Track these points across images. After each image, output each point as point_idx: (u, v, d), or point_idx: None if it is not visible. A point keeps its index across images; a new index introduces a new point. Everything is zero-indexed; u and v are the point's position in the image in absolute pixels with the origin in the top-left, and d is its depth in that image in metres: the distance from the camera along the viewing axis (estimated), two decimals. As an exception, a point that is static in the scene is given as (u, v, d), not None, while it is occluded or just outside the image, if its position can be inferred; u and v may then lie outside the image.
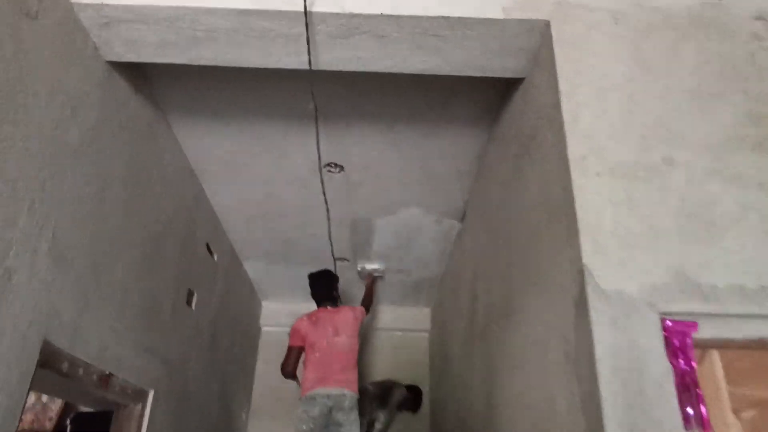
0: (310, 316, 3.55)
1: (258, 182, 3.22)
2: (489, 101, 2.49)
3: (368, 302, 4.07)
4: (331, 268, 4.13)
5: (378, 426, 4.43)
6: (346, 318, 3.54)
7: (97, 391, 2.27)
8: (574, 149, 1.61)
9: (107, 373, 2.26)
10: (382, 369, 5.18)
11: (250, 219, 3.67)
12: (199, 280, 3.34)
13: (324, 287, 3.71)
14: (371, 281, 4.28)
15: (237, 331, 4.35)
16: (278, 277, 4.61)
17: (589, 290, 1.41)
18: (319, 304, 3.67)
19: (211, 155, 2.98)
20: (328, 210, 3.30)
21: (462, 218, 3.52)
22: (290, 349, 3.47)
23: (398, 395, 4.62)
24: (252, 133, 2.78)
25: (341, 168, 3.06)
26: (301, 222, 3.68)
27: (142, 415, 2.68)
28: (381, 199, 3.35)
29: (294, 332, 3.48)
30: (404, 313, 5.28)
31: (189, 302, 3.22)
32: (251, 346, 4.91)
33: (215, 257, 3.66)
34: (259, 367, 5.06)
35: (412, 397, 4.82)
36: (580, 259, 1.46)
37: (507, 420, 2.14)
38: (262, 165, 3.05)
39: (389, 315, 5.27)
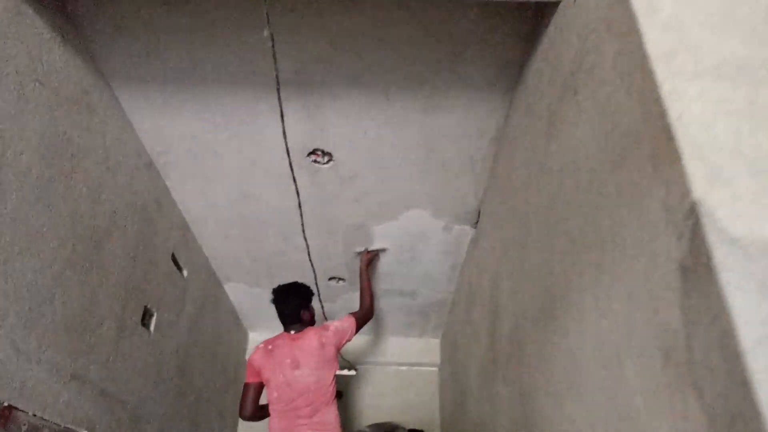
0: (267, 343, 2.82)
1: (231, 178, 2.69)
2: (507, 56, 1.97)
3: (366, 300, 3.09)
4: (317, 289, 3.55)
5: None
6: (309, 345, 2.72)
7: (-8, 431, 1.68)
8: (657, 45, 1.06)
9: (4, 404, 1.68)
10: (384, 409, 4.52)
11: (225, 227, 3.12)
12: (159, 298, 2.76)
13: (288, 305, 2.89)
14: (366, 263, 3.22)
15: (215, 366, 3.73)
16: (264, 302, 3.97)
17: (712, 240, 0.84)
18: (285, 328, 2.90)
19: (172, 142, 2.46)
20: (302, 215, 2.74)
21: (476, 222, 2.96)
22: (245, 386, 2.77)
23: None
24: (216, 109, 2.26)
25: (329, 156, 2.52)
26: (284, 231, 3.12)
27: (67, 466, 2.06)
28: (379, 198, 2.80)
29: (249, 365, 2.78)
30: (410, 345, 4.64)
31: (145, 323, 2.64)
32: (234, 386, 4.25)
33: (184, 273, 3.09)
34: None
35: None
36: (686, 194, 0.90)
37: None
38: (232, 154, 2.53)
39: (392, 347, 4.63)
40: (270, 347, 2.77)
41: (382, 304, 4.05)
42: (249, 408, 2.75)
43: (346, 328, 2.86)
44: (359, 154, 2.49)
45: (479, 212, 2.86)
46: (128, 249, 2.40)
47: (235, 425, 4.36)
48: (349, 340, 2.87)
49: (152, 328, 2.70)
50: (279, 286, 2.97)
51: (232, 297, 4.02)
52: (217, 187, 2.75)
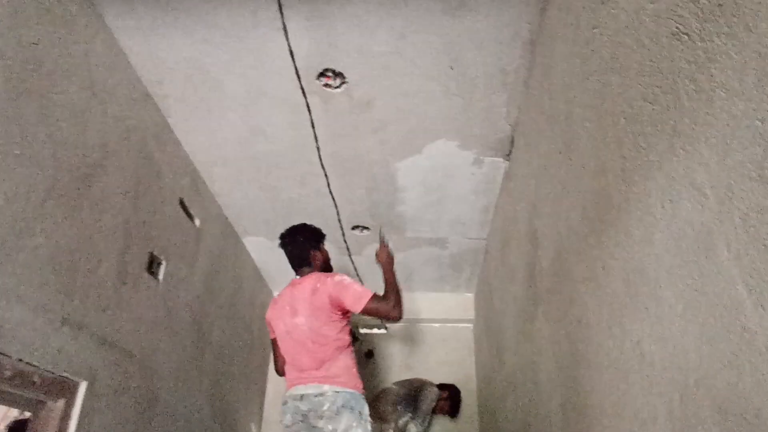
0: (278, 294, 2.61)
1: (236, 110, 2.45)
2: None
3: (391, 298, 2.40)
4: (340, 239, 3.32)
5: None
6: (302, 292, 2.40)
7: (-33, 375, 1.50)
8: None
9: (-20, 347, 1.50)
10: (417, 368, 4.30)
11: (236, 171, 2.89)
12: (167, 246, 2.57)
13: (293, 248, 2.57)
14: (385, 255, 2.62)
15: (236, 323, 3.56)
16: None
17: None
18: (295, 274, 2.62)
19: (167, 70, 2.22)
20: (318, 149, 2.48)
21: (508, 153, 2.65)
22: (271, 342, 2.61)
23: (430, 397, 3.73)
24: (212, 24, 2.00)
25: (342, 78, 2.25)
26: (301, 172, 2.88)
27: (66, 417, 1.89)
28: (399, 127, 2.51)
29: (266, 322, 2.62)
30: (443, 301, 4.39)
31: (152, 271, 2.45)
32: (260, 346, 4.08)
33: (196, 222, 2.89)
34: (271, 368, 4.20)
35: (448, 399, 3.92)
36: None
37: (612, 414, 1.25)
38: (235, 81, 2.28)
39: (424, 304, 4.38)
40: (277, 297, 2.58)
41: (411, 255, 3.79)
42: (278, 364, 2.59)
43: (354, 292, 2.34)
44: (374, 73, 2.20)
45: (512, 141, 2.55)
46: (126, 188, 2.19)
47: (263, 385, 4.22)
48: (352, 312, 2.38)
49: (161, 277, 2.51)
50: (286, 229, 2.69)
51: (253, 254, 3.83)
52: (223, 121, 2.51)
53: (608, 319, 1.29)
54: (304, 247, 2.58)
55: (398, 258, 3.80)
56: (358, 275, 4.03)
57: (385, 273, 2.57)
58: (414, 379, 3.95)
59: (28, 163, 1.64)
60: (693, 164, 0.90)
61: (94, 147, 1.97)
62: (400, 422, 3.64)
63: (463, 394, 4.15)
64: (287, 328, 2.43)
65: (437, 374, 4.22)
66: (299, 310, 2.40)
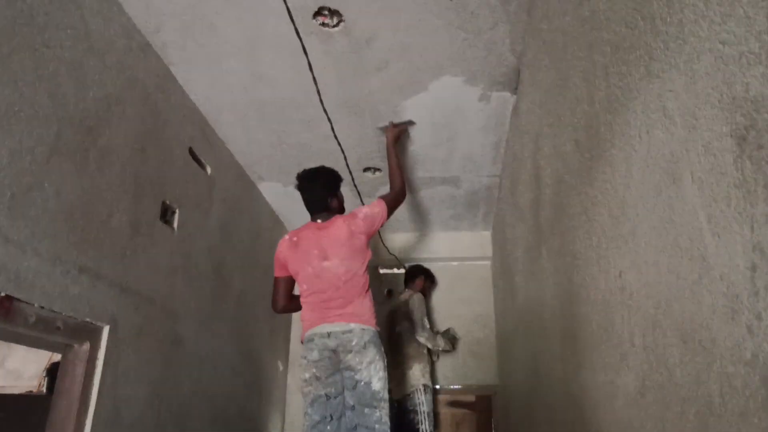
0: (292, 235, 2.62)
1: (236, 56, 2.43)
2: None
3: (397, 181, 2.72)
4: (350, 181, 3.34)
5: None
6: (337, 235, 2.48)
7: (-8, 322, 1.60)
8: None
9: (1, 294, 1.59)
10: (438, 306, 4.39)
11: (244, 118, 2.90)
12: (181, 195, 2.63)
13: (313, 192, 2.62)
14: (393, 139, 2.84)
15: (256, 268, 3.66)
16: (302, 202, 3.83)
17: None
18: (311, 216, 2.64)
19: (164, 16, 2.20)
20: (319, 92, 2.46)
21: (516, 87, 2.59)
22: (274, 281, 2.65)
23: (413, 302, 3.91)
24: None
25: (339, 16, 2.20)
26: (307, 116, 2.87)
27: (93, 358, 2.02)
28: (402, 64, 2.46)
29: (275, 259, 2.62)
30: (460, 240, 4.42)
31: (166, 220, 2.52)
32: (283, 287, 4.20)
33: (208, 170, 2.94)
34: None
35: (422, 280, 4.14)
36: None
37: (597, 328, 1.27)
38: (232, 25, 2.25)
39: (441, 243, 4.42)
40: (295, 239, 2.59)
41: (425, 196, 3.80)
42: (279, 302, 2.65)
43: (376, 213, 2.56)
44: (372, 8, 2.14)
45: (519, 72, 2.48)
46: (132, 139, 2.23)
47: (288, 326, 4.38)
48: (381, 225, 2.61)
49: (175, 225, 2.58)
50: (303, 171, 2.69)
51: (269, 199, 3.89)
52: (224, 68, 2.50)
53: (596, 253, 1.29)
54: (324, 192, 2.61)
55: (413, 198, 3.84)
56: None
57: (388, 147, 2.84)
58: (389, 313, 4.06)
59: (30, 118, 1.68)
60: (665, 91, 0.87)
61: (95, 100, 2.00)
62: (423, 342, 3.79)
63: (482, 330, 4.24)
64: (315, 272, 2.48)
65: (457, 311, 4.31)
66: (332, 254, 2.47)
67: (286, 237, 2.63)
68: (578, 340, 1.47)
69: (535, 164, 2.15)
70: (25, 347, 4.54)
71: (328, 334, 2.39)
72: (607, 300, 1.21)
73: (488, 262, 4.38)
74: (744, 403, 0.66)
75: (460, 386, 4.27)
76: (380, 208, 2.58)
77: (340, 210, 2.67)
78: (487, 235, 4.38)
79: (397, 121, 2.89)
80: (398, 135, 2.90)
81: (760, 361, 0.62)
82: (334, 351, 2.37)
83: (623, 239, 1.09)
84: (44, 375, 2.86)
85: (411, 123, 2.92)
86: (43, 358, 3.95)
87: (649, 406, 0.97)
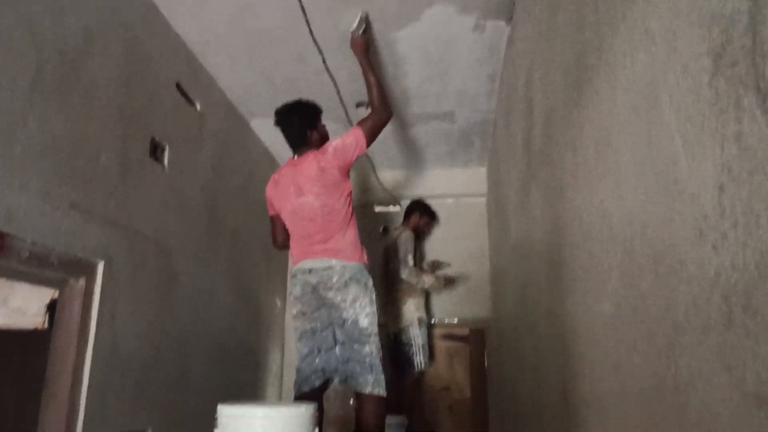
0: (276, 174, 2.66)
1: (220, -15, 2.34)
2: None
3: (375, 98, 2.49)
4: (344, 117, 3.29)
5: None
6: (308, 171, 2.43)
7: (-14, 257, 1.62)
8: None
9: (-8, 231, 1.60)
10: (433, 243, 4.44)
11: (232, 52, 2.83)
12: (170, 132, 2.60)
13: (291, 126, 2.55)
14: (362, 46, 2.53)
15: (251, 207, 3.67)
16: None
17: None
18: (292, 153, 2.62)
19: (141, -58, 2.11)
20: (308, 22, 2.37)
21: (511, 16, 2.50)
22: (270, 219, 2.73)
23: (402, 241, 3.90)
24: None
25: (325, -58, 2.10)
26: (297, 49, 2.80)
27: (89, 293, 2.06)
28: (392, -7, 2.38)
29: (267, 199, 2.70)
30: (455, 176, 4.41)
31: (156, 157, 2.50)
32: (279, 225, 4.23)
33: (197, 106, 2.89)
34: (293, 248, 4.38)
35: (419, 217, 4.14)
36: None
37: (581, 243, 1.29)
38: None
39: (437, 180, 4.42)
40: (276, 177, 2.61)
41: (419, 132, 3.76)
42: (277, 239, 2.72)
43: (349, 144, 2.42)
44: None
45: (514, 1, 2.39)
46: (116, 73, 2.18)
47: (284, 263, 4.44)
48: (361, 154, 2.48)
49: (166, 162, 2.57)
50: (280, 106, 2.62)
51: (262, 137, 3.85)
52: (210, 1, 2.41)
53: (582, 184, 1.29)
54: (301, 126, 2.55)
55: (407, 134, 3.80)
56: (368, 157, 4.05)
57: (361, 63, 2.54)
58: (384, 249, 4.10)
59: (6, 53, 1.63)
60: (648, 12, 0.84)
61: (75, 33, 1.94)
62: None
63: (477, 266, 4.30)
64: (293, 208, 2.49)
65: (452, 248, 4.36)
66: (306, 190, 2.44)
67: (273, 176, 2.65)
68: (562, 270, 1.49)
69: (527, 96, 2.11)
70: (27, 285, 4.62)
71: (309, 270, 2.43)
72: (589, 230, 1.22)
73: (484, 199, 4.38)
74: (706, 319, 0.67)
75: (455, 321, 4.38)
76: (354, 136, 2.44)
77: (322, 144, 2.57)
78: (482, 171, 4.37)
79: (352, 29, 2.51)
80: (367, 44, 2.56)
81: (722, 278, 0.63)
82: (315, 287, 2.41)
83: (607, 168, 1.08)
84: (45, 312, 2.94)
85: (367, 21, 2.51)
86: (46, 296, 4.02)
87: (623, 328, 0.99)
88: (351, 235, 2.46)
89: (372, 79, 2.52)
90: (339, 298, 2.38)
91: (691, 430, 0.71)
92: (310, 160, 2.47)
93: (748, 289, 0.57)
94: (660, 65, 0.80)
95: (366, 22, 2.53)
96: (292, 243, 2.56)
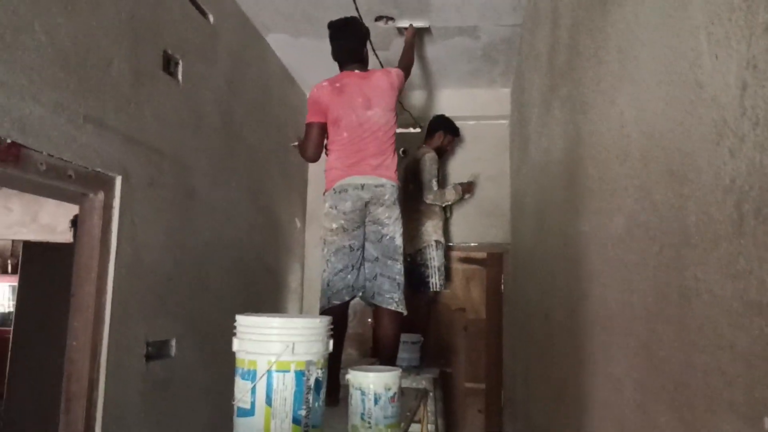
0: (332, 81, 2.52)
1: None
2: None
3: (407, 60, 3.00)
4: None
5: None
6: (380, 85, 2.51)
7: (3, 167, 1.64)
8: None
9: (7, 141, 1.61)
10: (453, 165, 4.38)
11: (244, -41, 2.69)
12: (182, 44, 2.53)
13: (349, 41, 2.62)
14: (411, 33, 3.22)
15: (268, 124, 3.63)
16: (313, 55, 3.66)
17: None
18: (342, 67, 2.60)
19: None
20: None
21: None
22: (309, 126, 2.54)
23: (425, 159, 3.85)
24: None
25: None
26: (312, -44, 2.66)
27: (108, 207, 2.09)
28: None
29: (312, 103, 2.52)
30: (477, 97, 4.27)
31: (170, 71, 2.46)
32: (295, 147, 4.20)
33: (210, 18, 2.80)
34: (312, 167, 4.36)
35: (443, 134, 4.03)
36: None
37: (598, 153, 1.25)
38: None
39: (458, 101, 4.28)
40: (338, 84, 2.50)
41: (440, 49, 3.61)
42: (313, 149, 2.56)
43: (402, 76, 2.67)
44: None
45: None
46: (124, -19, 2.10)
47: (303, 183, 4.46)
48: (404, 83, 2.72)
49: (180, 77, 2.52)
50: (336, 20, 2.65)
51: (278, 53, 3.75)
52: None
53: (603, 97, 1.22)
54: (358, 42, 2.63)
55: (428, 52, 3.67)
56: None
57: (406, 41, 3.18)
58: (404, 169, 4.01)
59: (9, -46, 1.57)
60: None
61: (79, -66, 1.86)
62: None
63: (497, 190, 4.25)
64: (360, 120, 2.45)
65: (472, 170, 4.30)
66: (375, 103, 2.48)
67: (325, 83, 2.52)
68: (578, 188, 1.45)
69: (553, 7, 1.99)
70: (54, 203, 4.76)
71: (362, 186, 2.41)
72: (607, 143, 1.17)
73: (506, 122, 4.26)
74: (716, 229, 0.64)
75: (472, 244, 4.40)
76: (402, 74, 2.69)
77: (368, 64, 2.70)
78: (505, 92, 4.22)
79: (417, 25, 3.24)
80: (414, 34, 3.23)
81: (736, 185, 0.59)
82: (367, 203, 2.43)
83: (628, 76, 1.02)
84: (70, 227, 3.05)
85: (425, 28, 3.30)
86: (72, 212, 4.13)
87: (634, 243, 0.97)
88: (395, 157, 2.52)
89: (411, 50, 3.11)
90: (386, 215, 2.44)
91: (690, 339, 0.70)
92: (380, 75, 2.56)
93: (762, 194, 0.54)
94: (692, -46, 0.72)
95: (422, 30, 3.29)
96: (336, 155, 2.48)
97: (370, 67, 2.72)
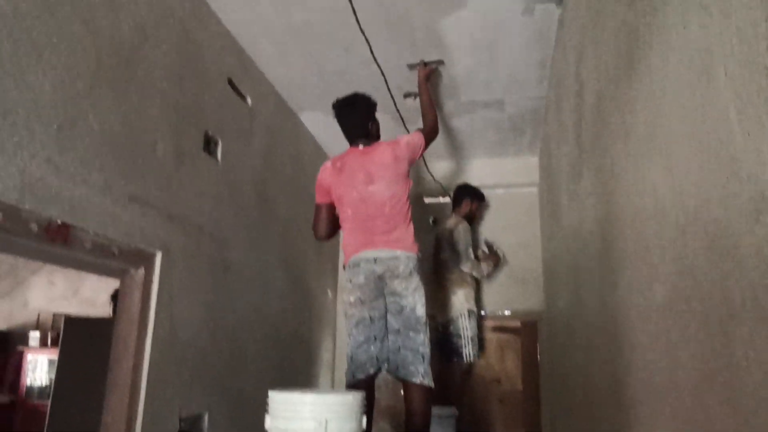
0: (335, 161, 2.62)
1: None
2: None
3: (428, 118, 2.82)
4: (393, 108, 3.28)
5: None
6: (382, 159, 2.49)
7: (52, 247, 1.72)
8: None
9: (58, 222, 1.69)
10: (484, 233, 4.38)
11: (279, 44, 2.87)
12: (222, 125, 2.67)
13: (351, 118, 2.61)
14: (425, 75, 2.98)
15: (300, 196, 3.73)
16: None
17: None
18: (350, 143, 2.63)
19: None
20: (354, 11, 2.37)
21: (562, -2, 2.43)
22: (316, 208, 2.68)
23: (459, 231, 3.90)
24: None
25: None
26: (343, 40, 2.81)
27: (148, 283, 2.15)
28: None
29: (317, 186, 2.63)
30: (505, 166, 4.33)
31: (209, 151, 2.58)
32: (329, 217, 4.28)
33: (248, 101, 2.96)
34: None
35: (470, 201, 4.09)
36: None
37: (631, 223, 1.24)
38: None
39: (486, 170, 4.35)
40: (339, 164, 2.58)
41: (467, 121, 3.71)
42: (323, 229, 2.69)
43: (417, 142, 2.60)
44: None
45: (564, -18, 2.32)
46: (170, 69, 2.25)
47: (335, 254, 4.50)
48: (420, 156, 2.65)
49: (219, 156, 2.64)
50: (339, 99, 2.67)
51: (312, 129, 3.90)
52: (257, -6, 2.46)
53: (633, 166, 1.24)
54: (363, 118, 2.61)
55: (455, 124, 3.76)
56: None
57: (419, 85, 2.95)
58: (435, 239, 4.07)
59: (69, 52, 1.72)
60: (703, -20, 0.79)
61: (131, 31, 2.02)
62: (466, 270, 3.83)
63: (528, 257, 4.22)
64: (361, 196, 2.49)
65: (503, 238, 4.29)
66: (377, 178, 2.47)
67: (328, 163, 2.62)
68: (614, 257, 1.44)
69: (578, 79, 2.05)
70: (94, 276, 4.89)
71: (375, 260, 2.42)
72: (641, 213, 1.17)
73: (534, 189, 4.29)
74: (762, 310, 0.63)
75: (505, 313, 4.32)
76: (418, 138, 2.62)
77: (378, 136, 2.66)
78: (533, 160, 4.27)
79: (428, 60, 2.98)
80: (429, 74, 3.00)
81: (780, 260, 0.59)
82: (381, 276, 2.41)
83: (658, 149, 1.04)
84: (110, 301, 3.11)
85: (441, 62, 3.00)
86: (112, 286, 4.24)
87: (676, 316, 0.95)
88: (411, 227, 2.50)
89: (426, 99, 2.87)
90: (403, 286, 2.41)
91: (745, 419, 0.67)
92: (383, 149, 2.53)
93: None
94: (715, 35, 0.75)
95: (438, 65, 3.02)
96: (349, 232, 2.54)
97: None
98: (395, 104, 3.42)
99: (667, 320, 1.00)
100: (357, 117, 2.61)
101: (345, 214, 2.56)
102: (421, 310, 2.41)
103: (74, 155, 1.74)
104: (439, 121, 2.88)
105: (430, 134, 2.74)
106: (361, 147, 2.58)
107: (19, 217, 1.56)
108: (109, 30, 1.90)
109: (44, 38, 1.63)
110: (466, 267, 3.79)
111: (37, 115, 1.60)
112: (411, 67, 3.03)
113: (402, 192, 2.50)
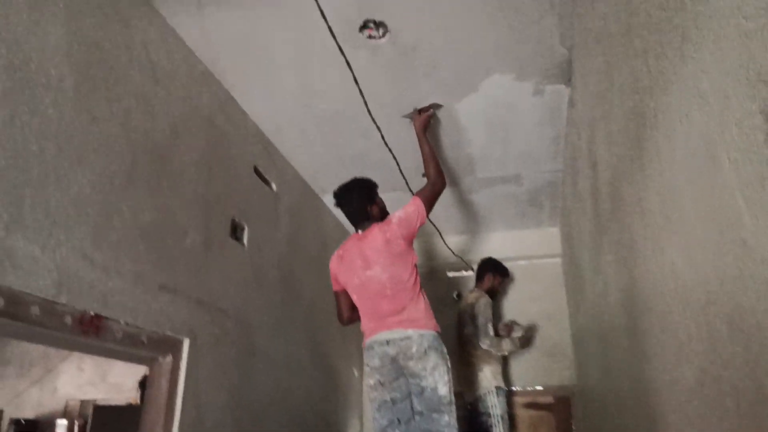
0: (339, 249, 2.69)
1: (290, 74, 2.54)
2: None
3: (431, 171, 2.66)
4: (403, 186, 3.36)
5: None
6: (374, 244, 2.48)
7: (85, 338, 1.76)
8: None
9: (91, 313, 1.74)
10: (509, 306, 4.33)
11: (301, 132, 3.01)
12: (248, 212, 2.76)
13: (349, 205, 2.66)
14: (421, 125, 2.75)
15: (323, 277, 3.75)
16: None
17: None
18: (355, 229, 2.70)
19: (221, 44, 2.34)
20: (366, 103, 2.50)
21: (569, 78, 2.53)
22: (335, 295, 2.75)
23: (479, 306, 3.83)
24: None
25: (384, 28, 2.25)
26: (360, 126, 2.94)
27: (175, 369, 2.16)
28: (450, 66, 2.48)
29: (330, 274, 2.72)
30: (526, 238, 4.34)
31: (236, 237, 2.66)
32: (353, 295, 4.29)
33: (273, 186, 3.07)
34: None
35: (493, 276, 4.06)
36: None
37: (657, 305, 1.24)
38: (283, 45, 2.35)
39: (508, 243, 4.36)
40: (341, 252, 2.65)
41: (485, 196, 3.77)
42: (343, 314, 2.73)
43: (411, 213, 2.49)
44: (416, 14, 2.18)
45: (571, 62, 2.43)
46: (200, 162, 2.37)
47: (360, 334, 4.45)
48: (422, 223, 2.55)
49: (245, 241, 2.72)
50: (337, 188, 2.72)
51: (335, 210, 3.98)
52: (280, 87, 2.62)
53: (651, 243, 1.25)
54: (360, 203, 2.64)
55: (474, 199, 3.82)
56: (432, 223, 4.07)
57: (417, 135, 2.76)
58: (458, 315, 4.02)
59: (107, 151, 1.84)
60: (698, 72, 0.85)
61: (164, 129, 2.15)
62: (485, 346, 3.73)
63: (556, 328, 4.14)
64: (361, 281, 2.52)
65: (528, 310, 4.23)
66: (373, 262, 2.48)
67: (336, 252, 2.70)
68: (640, 333, 1.43)
69: (591, 154, 2.10)
70: (122, 363, 4.91)
71: (387, 342, 2.41)
72: (663, 291, 1.17)
73: (557, 260, 4.27)
74: (791, 388, 0.63)
75: (537, 387, 4.19)
76: (415, 205, 2.51)
77: (383, 216, 2.65)
78: (554, 231, 4.28)
79: (421, 106, 2.77)
80: (426, 121, 2.77)
81: (801, 344, 0.60)
82: (394, 358, 2.39)
83: (673, 227, 1.06)
84: (137, 388, 3.11)
85: (437, 106, 2.77)
86: (139, 372, 4.24)
87: (707, 397, 0.93)
88: (422, 304, 2.46)
89: (426, 149, 2.71)
90: (419, 367, 2.36)
91: None
92: (375, 233, 2.52)
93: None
94: (716, 124, 0.80)
95: (434, 109, 2.79)
96: (363, 316, 2.57)
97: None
98: (407, 182, 3.47)
99: (697, 401, 0.98)
100: (355, 203, 2.66)
101: (354, 300, 2.61)
102: (443, 389, 2.34)
103: (108, 248, 1.82)
104: (443, 171, 2.73)
105: (433, 189, 2.62)
106: (359, 232, 2.65)
107: (54, 311, 1.62)
108: (144, 130, 2.04)
109: (84, 141, 1.75)
110: (484, 344, 3.70)
111: (76, 213, 1.69)
112: (407, 117, 2.85)
113: (402, 271, 2.47)
